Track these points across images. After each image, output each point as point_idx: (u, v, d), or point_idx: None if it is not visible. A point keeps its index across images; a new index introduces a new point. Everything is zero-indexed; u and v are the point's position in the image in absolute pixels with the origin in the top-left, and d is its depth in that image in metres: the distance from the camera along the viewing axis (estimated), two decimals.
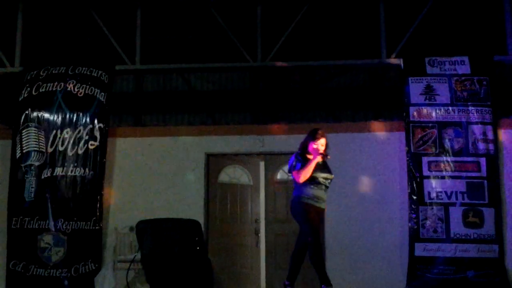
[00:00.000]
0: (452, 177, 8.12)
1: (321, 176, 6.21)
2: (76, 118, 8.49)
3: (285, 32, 8.77)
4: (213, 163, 8.92)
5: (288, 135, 8.80)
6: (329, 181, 6.28)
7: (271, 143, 8.80)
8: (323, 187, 6.23)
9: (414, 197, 8.09)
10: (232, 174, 9.15)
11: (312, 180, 6.18)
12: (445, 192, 8.09)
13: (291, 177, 8.83)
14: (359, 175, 8.14)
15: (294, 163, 6.26)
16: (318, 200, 6.19)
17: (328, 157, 6.27)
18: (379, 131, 8.63)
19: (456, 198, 8.07)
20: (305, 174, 6.11)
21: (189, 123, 9.35)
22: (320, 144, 6.27)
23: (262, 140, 8.83)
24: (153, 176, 8.68)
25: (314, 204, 6.15)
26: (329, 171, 6.30)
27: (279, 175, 9.02)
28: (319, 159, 6.21)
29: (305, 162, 6.20)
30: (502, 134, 8.37)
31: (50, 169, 8.31)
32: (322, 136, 6.33)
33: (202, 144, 8.80)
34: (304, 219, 6.16)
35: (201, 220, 8.20)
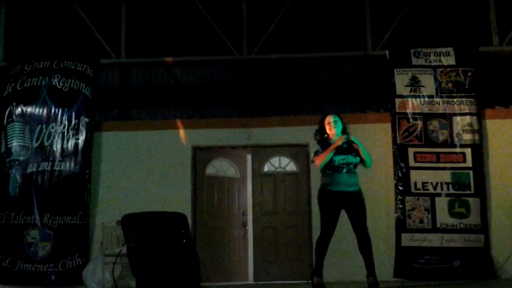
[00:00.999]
0: (438, 168, 8.19)
1: (336, 159, 6.14)
2: (61, 112, 8.47)
3: (271, 25, 8.76)
4: (200, 156, 8.91)
5: (274, 127, 8.81)
6: (350, 162, 6.12)
7: (258, 136, 8.80)
8: (343, 170, 6.13)
9: (401, 188, 8.15)
10: (219, 167, 9.15)
11: (329, 165, 6.16)
12: (431, 183, 8.15)
13: (278, 170, 8.90)
14: None
15: (315, 149, 6.24)
16: (339, 185, 6.11)
17: (351, 141, 6.15)
18: (365, 123, 8.63)
19: (442, 189, 8.13)
20: (322, 158, 6.06)
21: (175, 117, 9.32)
22: (326, 122, 6.22)
23: (249, 133, 8.83)
24: (140, 170, 8.66)
25: (334, 189, 6.10)
26: (346, 153, 6.19)
27: (266, 168, 9.02)
28: (338, 142, 6.11)
29: (326, 147, 6.20)
30: (487, 125, 8.42)
31: (36, 164, 8.29)
32: (326, 114, 6.34)
33: (189, 137, 8.79)
34: (320, 207, 6.20)
35: (188, 213, 8.19)
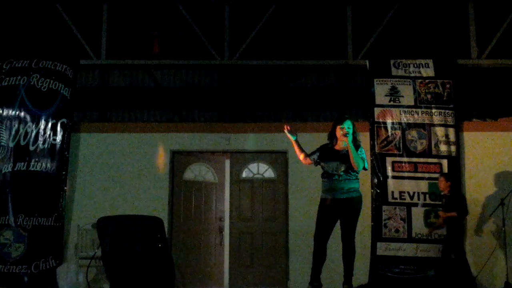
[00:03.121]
0: (415, 178, 8.24)
1: (328, 166, 6.15)
2: (39, 112, 8.37)
3: (253, 31, 8.78)
4: (179, 160, 8.88)
5: (254, 133, 8.81)
6: (340, 169, 6.09)
7: (237, 141, 8.80)
8: (335, 176, 6.12)
9: (378, 197, 8.18)
10: (198, 171, 9.12)
11: (323, 172, 6.20)
12: (408, 193, 8.20)
13: (256, 176, 8.90)
14: None
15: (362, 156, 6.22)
16: (330, 192, 6.12)
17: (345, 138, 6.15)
18: None
19: (418, 199, 8.18)
20: (357, 161, 6.03)
21: (155, 120, 9.29)
22: (347, 126, 6.16)
23: (228, 138, 8.81)
24: (117, 172, 8.59)
25: (328, 197, 6.13)
26: (337, 159, 6.17)
27: (244, 174, 9.02)
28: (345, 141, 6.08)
29: (323, 151, 6.24)
30: (464, 137, 8.50)
31: (11, 164, 8.17)
32: (347, 118, 6.24)
33: (167, 141, 8.75)
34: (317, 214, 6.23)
35: (165, 217, 8.16)
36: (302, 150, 6.41)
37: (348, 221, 6.11)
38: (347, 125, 6.16)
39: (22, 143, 8.24)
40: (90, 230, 7.99)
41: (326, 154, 6.24)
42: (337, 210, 6.11)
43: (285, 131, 6.30)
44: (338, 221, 6.18)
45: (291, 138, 6.34)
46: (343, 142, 6.12)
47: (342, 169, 6.10)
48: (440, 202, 7.91)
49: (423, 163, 8.24)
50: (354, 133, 6.19)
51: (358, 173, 6.18)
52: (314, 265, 6.17)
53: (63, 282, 7.63)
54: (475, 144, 8.49)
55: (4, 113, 8.35)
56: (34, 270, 7.92)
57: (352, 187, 6.14)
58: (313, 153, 6.37)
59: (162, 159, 8.67)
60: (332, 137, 6.27)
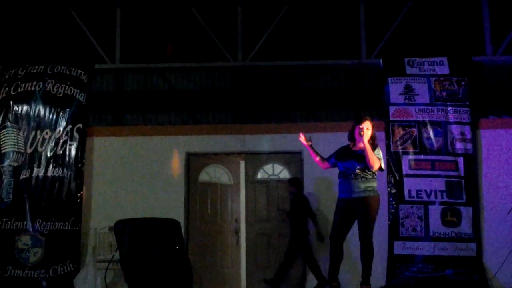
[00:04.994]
0: (432, 176, 8.19)
1: (344, 165, 6.17)
2: (55, 118, 8.44)
3: (266, 32, 8.78)
4: (194, 162, 8.90)
5: (268, 134, 8.81)
6: (354, 168, 6.14)
7: (251, 143, 8.80)
8: (350, 176, 6.13)
9: (394, 196, 8.14)
10: (213, 173, 9.14)
11: (340, 172, 6.22)
12: (425, 191, 8.15)
13: (272, 177, 8.90)
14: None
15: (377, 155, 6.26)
16: (345, 191, 6.14)
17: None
18: None
19: (436, 197, 8.13)
20: (372, 160, 6.06)
21: (169, 123, 9.32)
22: (366, 127, 6.18)
23: (243, 140, 8.82)
24: (133, 175, 8.63)
25: (344, 196, 6.15)
26: (351, 158, 6.18)
27: (260, 175, 9.02)
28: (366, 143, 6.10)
29: (340, 152, 6.28)
30: (480, 134, 8.44)
31: (29, 170, 8.25)
32: (366, 119, 6.27)
33: (183, 144, 8.77)
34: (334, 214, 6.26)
35: (181, 219, 8.18)
36: (317, 154, 6.44)
37: (365, 220, 6.11)
38: (366, 125, 6.18)
39: (40, 149, 8.31)
40: (107, 234, 8.03)
41: (343, 154, 6.27)
42: (353, 209, 6.11)
43: (300, 139, 6.37)
44: (356, 221, 6.18)
45: (305, 144, 6.38)
46: (360, 142, 6.14)
47: (358, 167, 6.10)
48: (457, 201, 7.88)
49: (440, 161, 8.19)
50: (373, 133, 6.21)
51: (375, 173, 6.17)
52: (331, 264, 6.17)
53: (81, 286, 7.69)
54: (492, 142, 8.42)
55: (21, 119, 8.42)
56: (52, 275, 7.99)
57: (369, 186, 6.13)
58: (330, 156, 6.39)
59: (177, 162, 8.69)
60: (352, 137, 6.29)
